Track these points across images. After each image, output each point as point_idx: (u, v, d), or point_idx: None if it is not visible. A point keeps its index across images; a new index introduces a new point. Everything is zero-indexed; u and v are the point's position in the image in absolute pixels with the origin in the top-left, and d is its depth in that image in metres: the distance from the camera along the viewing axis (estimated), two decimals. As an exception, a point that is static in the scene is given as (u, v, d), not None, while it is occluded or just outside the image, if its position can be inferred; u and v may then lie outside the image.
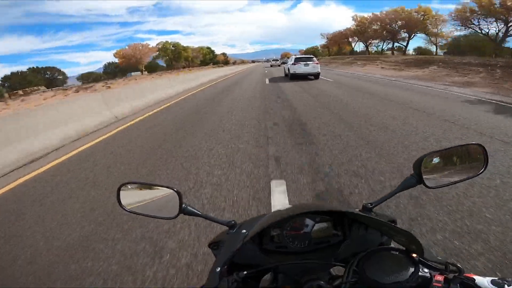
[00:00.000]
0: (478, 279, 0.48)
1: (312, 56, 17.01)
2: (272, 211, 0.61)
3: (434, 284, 0.49)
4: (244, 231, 0.66)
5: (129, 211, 0.74)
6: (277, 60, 51.21)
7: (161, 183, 0.74)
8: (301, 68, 15.32)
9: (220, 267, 0.56)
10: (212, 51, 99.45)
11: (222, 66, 56.23)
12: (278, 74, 22.08)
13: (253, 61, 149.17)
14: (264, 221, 0.57)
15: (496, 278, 0.47)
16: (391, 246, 0.60)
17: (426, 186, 0.65)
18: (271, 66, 45.86)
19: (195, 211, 0.70)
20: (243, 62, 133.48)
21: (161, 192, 0.72)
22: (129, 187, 0.75)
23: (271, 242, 0.67)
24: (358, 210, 0.69)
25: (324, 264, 0.60)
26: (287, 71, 17.19)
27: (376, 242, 0.63)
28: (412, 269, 0.50)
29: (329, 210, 0.63)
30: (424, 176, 0.64)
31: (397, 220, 0.68)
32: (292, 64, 15.76)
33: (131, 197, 0.75)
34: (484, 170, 0.66)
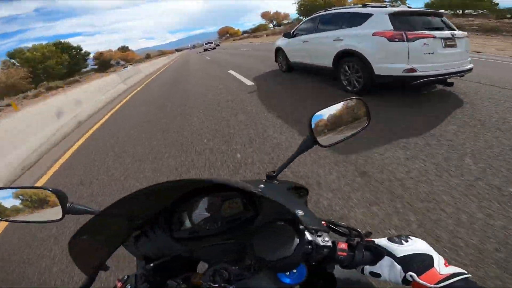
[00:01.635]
0: (377, 241, 0.50)
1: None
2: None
3: (339, 253, 0.49)
4: None
5: (4, 220, 0.62)
6: (211, 43, 47.57)
7: (39, 186, 0.64)
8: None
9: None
10: (74, 48, 65.13)
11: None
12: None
13: (177, 50, 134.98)
14: (139, 190, 0.47)
15: (392, 237, 0.49)
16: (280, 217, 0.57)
17: (321, 146, 0.68)
18: (205, 50, 42.10)
19: (84, 208, 0.62)
20: (162, 53, 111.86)
21: (39, 195, 0.62)
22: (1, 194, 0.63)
23: (182, 230, 0.62)
24: (264, 180, 0.69)
25: (239, 243, 0.57)
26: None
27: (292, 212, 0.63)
28: (297, 241, 0.48)
29: (219, 183, 0.52)
30: (317, 135, 0.67)
31: (307, 188, 0.71)
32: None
33: (5, 204, 0.63)
34: (369, 122, 0.72)
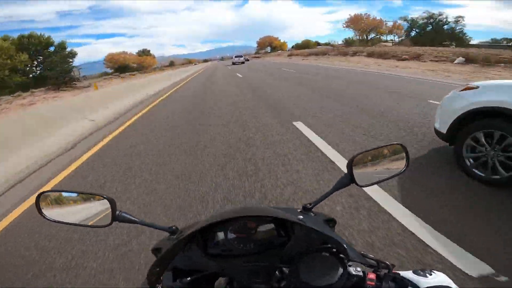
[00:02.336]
0: (403, 273, 0.53)
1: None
2: (213, 212, 0.60)
3: (368, 283, 0.52)
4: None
5: (52, 220, 0.66)
6: (241, 57, 44.23)
7: (92, 191, 0.68)
8: None
9: (154, 272, 0.55)
10: (41, 43, 39.58)
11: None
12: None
13: (205, 61, 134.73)
14: (203, 222, 0.56)
15: (417, 270, 0.52)
16: (325, 246, 0.62)
17: (357, 185, 0.69)
18: (234, 64, 39.84)
19: (131, 217, 0.65)
20: (189, 62, 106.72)
21: (91, 200, 0.66)
22: (51, 195, 0.68)
23: (216, 246, 0.65)
24: (299, 210, 0.71)
25: (269, 266, 0.61)
26: None
27: (319, 241, 0.66)
28: (341, 270, 0.53)
29: (267, 215, 0.64)
30: (355, 175, 0.69)
31: (336, 220, 0.72)
32: None
33: (55, 206, 0.67)
34: (407, 168, 0.74)
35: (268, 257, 0.63)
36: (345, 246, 0.56)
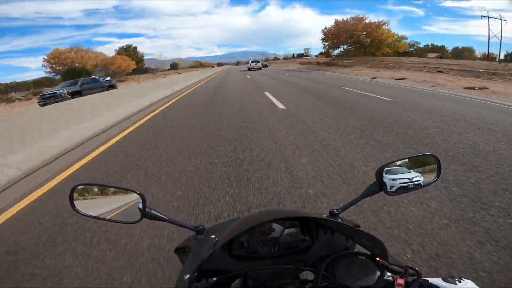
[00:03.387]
0: (431, 280, 0.52)
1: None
2: (243, 216, 0.61)
3: (396, 287, 0.52)
4: (213, 236, 0.64)
5: (83, 214, 0.67)
6: (258, 62, 40.10)
7: (124, 186, 0.69)
8: None
9: (190, 275, 0.54)
10: None
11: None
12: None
13: (219, 64, 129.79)
14: (234, 229, 0.57)
15: (446, 277, 0.51)
16: (356, 250, 0.62)
17: (387, 193, 0.68)
18: (249, 69, 36.63)
19: (160, 215, 0.66)
20: (200, 66, 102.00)
21: (122, 194, 0.67)
22: (84, 188, 0.69)
23: (240, 248, 0.66)
24: (325, 215, 0.71)
25: (293, 269, 0.61)
26: None
27: (342, 246, 0.66)
28: (378, 273, 0.53)
29: (297, 216, 0.63)
30: (385, 183, 0.68)
31: (360, 225, 0.71)
32: None
33: (87, 199, 0.69)
34: (437, 178, 0.72)
35: (292, 260, 0.63)
36: (386, 248, 0.55)
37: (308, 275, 0.65)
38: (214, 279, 0.57)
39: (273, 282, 0.58)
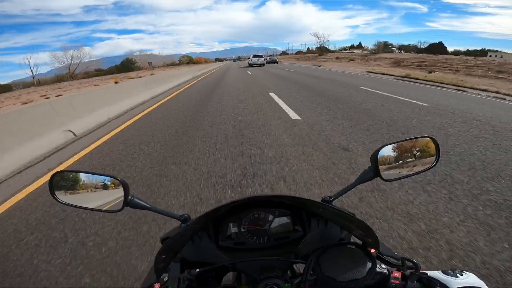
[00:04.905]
0: (430, 273, 0.49)
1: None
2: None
3: (392, 281, 0.49)
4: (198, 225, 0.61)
5: (63, 203, 0.65)
6: (261, 57, 32.80)
7: (103, 172, 0.66)
8: None
9: (163, 262, 0.52)
10: None
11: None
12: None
13: (218, 60, 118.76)
14: (214, 208, 0.53)
15: (447, 270, 0.49)
16: (347, 241, 0.59)
17: (383, 179, 0.65)
18: (251, 65, 30.75)
19: (143, 203, 0.63)
20: (191, 62, 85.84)
21: (103, 182, 0.64)
22: (65, 176, 0.66)
23: (228, 239, 0.63)
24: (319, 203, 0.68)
25: (283, 261, 0.58)
26: None
27: (336, 237, 0.62)
28: (369, 265, 0.49)
29: (286, 199, 0.60)
30: (380, 169, 0.64)
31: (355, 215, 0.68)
32: None
33: (67, 187, 0.66)
34: (436, 163, 0.68)
35: (283, 252, 0.60)
36: (377, 237, 0.52)
37: (300, 268, 0.62)
38: (197, 270, 0.54)
39: (261, 274, 0.55)
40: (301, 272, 0.59)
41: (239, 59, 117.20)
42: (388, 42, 65.67)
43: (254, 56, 32.85)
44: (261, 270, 0.57)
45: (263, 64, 31.19)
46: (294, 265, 0.66)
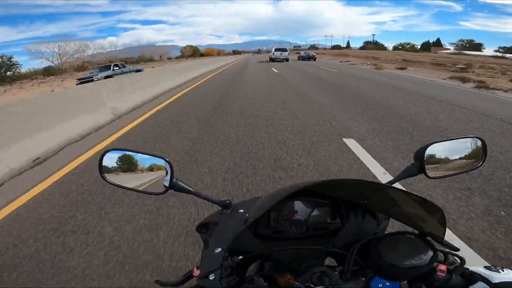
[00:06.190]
0: (472, 268, 0.50)
1: None
2: (272, 191, 0.57)
3: (438, 273, 0.49)
4: (242, 211, 0.62)
5: (110, 183, 0.67)
6: (285, 51, 28.42)
7: (153, 152, 0.67)
8: None
9: (221, 249, 0.53)
10: None
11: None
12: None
13: (235, 52, 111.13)
14: (265, 203, 0.54)
15: (489, 265, 0.49)
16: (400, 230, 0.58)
17: (427, 176, 0.64)
18: (272, 60, 27.81)
19: (187, 187, 0.64)
20: (191, 56, 73.28)
21: (151, 162, 0.66)
22: (114, 154, 0.69)
23: (266, 227, 0.63)
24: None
25: (320, 251, 0.58)
26: None
27: (371, 231, 0.62)
28: (431, 253, 0.49)
29: (341, 181, 0.52)
30: (426, 166, 0.63)
31: None
32: None
33: (115, 166, 0.68)
34: (483, 163, 0.66)
35: (319, 243, 0.59)
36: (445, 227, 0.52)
37: (330, 261, 0.62)
38: (240, 257, 0.55)
39: (298, 264, 0.56)
40: (333, 265, 0.59)
41: (259, 52, 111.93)
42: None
43: (276, 50, 28.79)
44: (296, 259, 0.57)
45: (287, 59, 27.86)
46: (328, 256, 0.66)
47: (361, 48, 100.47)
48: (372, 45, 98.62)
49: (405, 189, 0.50)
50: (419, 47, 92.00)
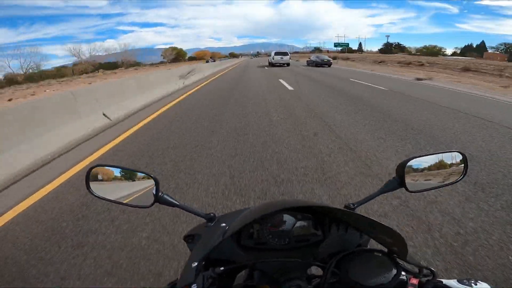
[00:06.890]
0: (446, 282, 0.50)
1: None
2: (255, 205, 0.59)
3: (409, 287, 0.50)
4: (224, 224, 0.63)
5: (97, 197, 0.68)
6: (286, 54, 25.54)
7: (138, 168, 0.69)
8: None
9: (197, 263, 0.53)
10: None
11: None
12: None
13: (232, 55, 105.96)
14: (246, 217, 0.55)
15: (462, 279, 0.49)
16: (370, 248, 0.60)
17: (407, 190, 0.65)
18: (272, 64, 24.95)
19: (172, 200, 0.66)
20: (175, 60, 66.89)
21: (136, 178, 0.67)
22: (100, 171, 0.70)
23: (250, 238, 0.65)
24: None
25: (303, 263, 0.59)
26: None
27: (355, 243, 0.63)
28: (394, 271, 0.50)
29: (313, 206, 0.61)
30: (406, 180, 0.64)
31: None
32: None
33: (102, 181, 0.70)
34: (463, 177, 0.68)
35: (302, 254, 0.61)
36: (406, 245, 0.53)
37: (316, 271, 0.63)
38: (221, 268, 0.55)
39: (280, 275, 0.56)
40: (315, 274, 0.61)
41: (257, 54, 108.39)
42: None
43: (276, 53, 25.41)
44: (280, 270, 0.58)
45: (288, 64, 24.82)
46: (310, 267, 0.67)
47: (381, 51, 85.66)
48: (394, 48, 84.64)
49: (371, 218, 0.51)
50: (447, 51, 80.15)
